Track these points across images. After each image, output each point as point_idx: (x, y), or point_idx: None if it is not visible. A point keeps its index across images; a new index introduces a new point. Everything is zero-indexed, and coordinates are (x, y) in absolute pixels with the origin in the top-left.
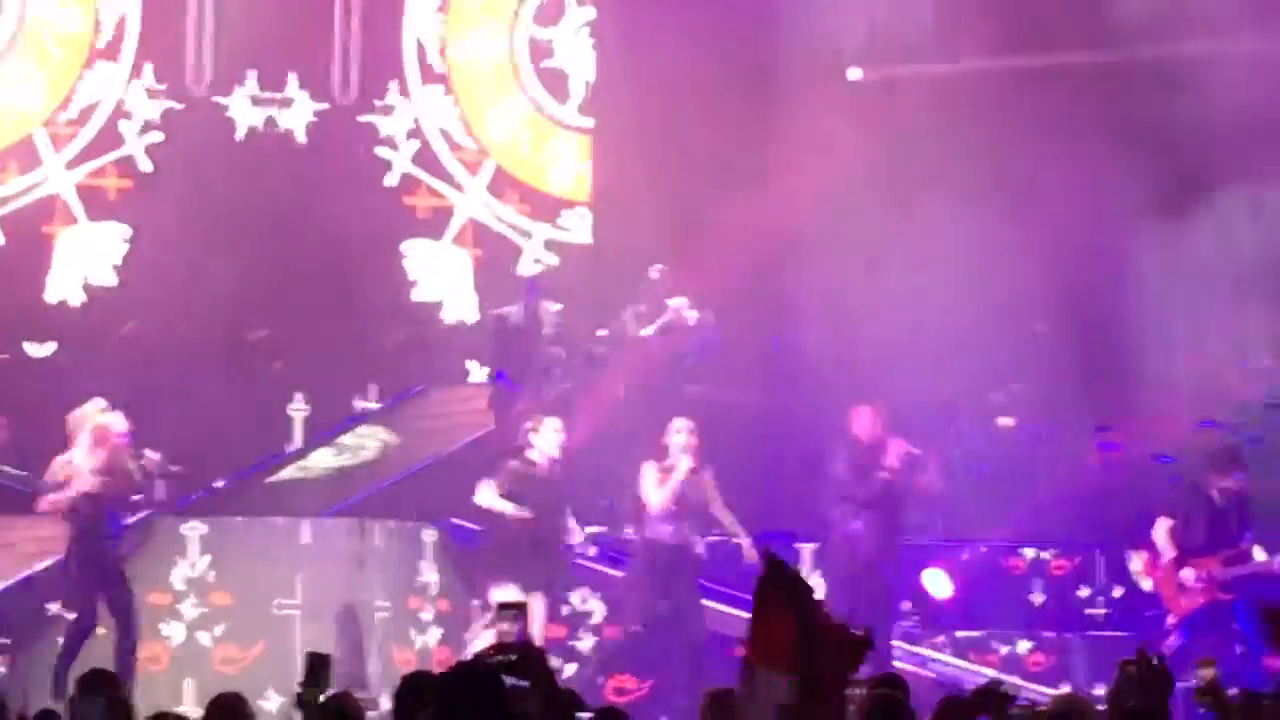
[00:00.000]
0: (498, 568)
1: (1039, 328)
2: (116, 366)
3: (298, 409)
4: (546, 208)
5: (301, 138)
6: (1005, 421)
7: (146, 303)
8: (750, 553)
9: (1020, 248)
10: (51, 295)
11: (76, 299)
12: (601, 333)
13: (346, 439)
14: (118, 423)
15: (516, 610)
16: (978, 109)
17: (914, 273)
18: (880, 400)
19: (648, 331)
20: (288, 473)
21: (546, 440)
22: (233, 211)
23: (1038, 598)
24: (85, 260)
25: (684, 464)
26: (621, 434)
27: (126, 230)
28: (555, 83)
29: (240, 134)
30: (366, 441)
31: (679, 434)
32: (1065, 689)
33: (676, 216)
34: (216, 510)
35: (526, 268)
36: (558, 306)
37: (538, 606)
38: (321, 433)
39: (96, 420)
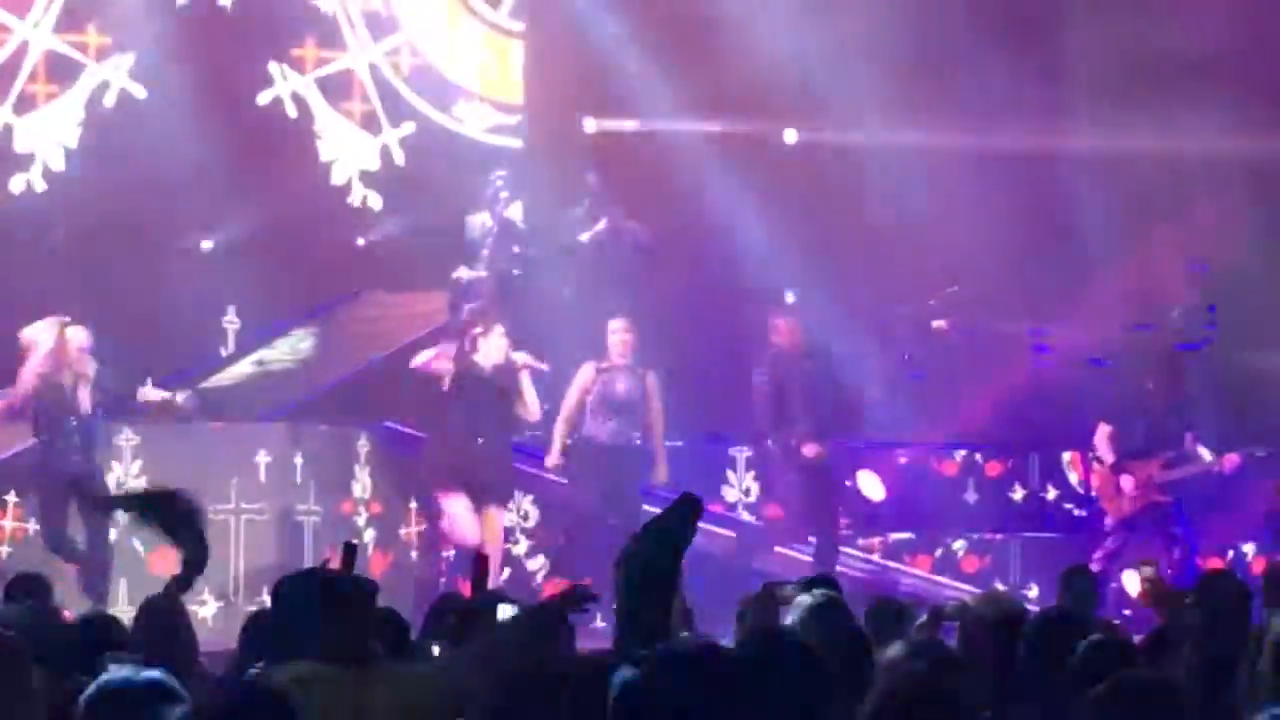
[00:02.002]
0: (446, 477)
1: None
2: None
3: (230, 321)
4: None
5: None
6: (939, 324)
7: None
8: (662, 475)
9: (959, 149)
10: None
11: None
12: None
13: (279, 343)
14: (79, 337)
15: None
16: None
17: (854, 172)
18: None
19: (584, 238)
20: (220, 378)
21: (494, 345)
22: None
23: (971, 499)
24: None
25: (585, 370)
26: (566, 339)
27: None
28: None
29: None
30: (299, 345)
31: (614, 334)
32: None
33: (608, 119)
34: (149, 417)
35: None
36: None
37: (495, 519)
38: (254, 335)
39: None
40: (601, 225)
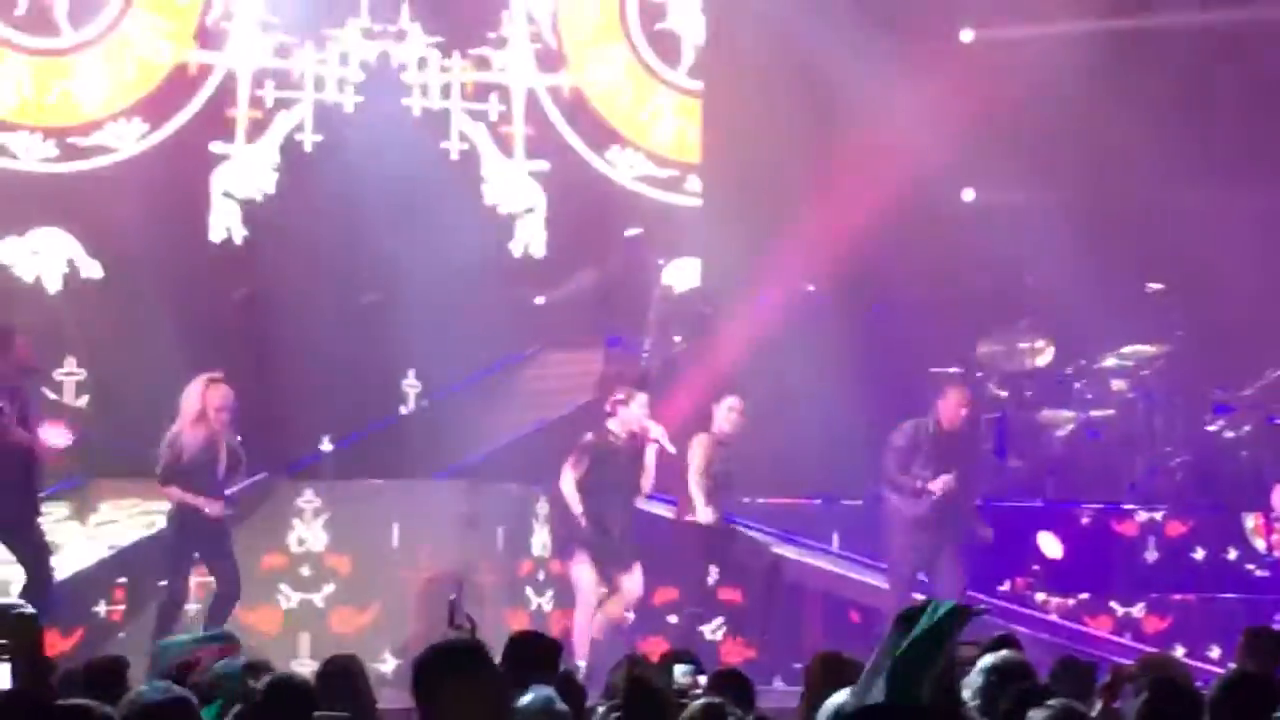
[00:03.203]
0: (585, 544)
1: (1153, 287)
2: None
3: (410, 385)
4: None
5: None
6: (1119, 384)
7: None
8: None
9: (1134, 209)
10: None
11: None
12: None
13: (458, 401)
14: (221, 395)
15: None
16: (1086, 68)
17: (1023, 235)
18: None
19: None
20: (399, 436)
21: (632, 415)
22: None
23: (1151, 559)
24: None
25: (703, 442)
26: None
27: (275, 158)
28: (666, 45)
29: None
30: (479, 403)
31: (732, 411)
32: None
33: (784, 184)
34: (329, 474)
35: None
36: (662, 262)
37: (631, 584)
38: (433, 395)
39: (204, 393)
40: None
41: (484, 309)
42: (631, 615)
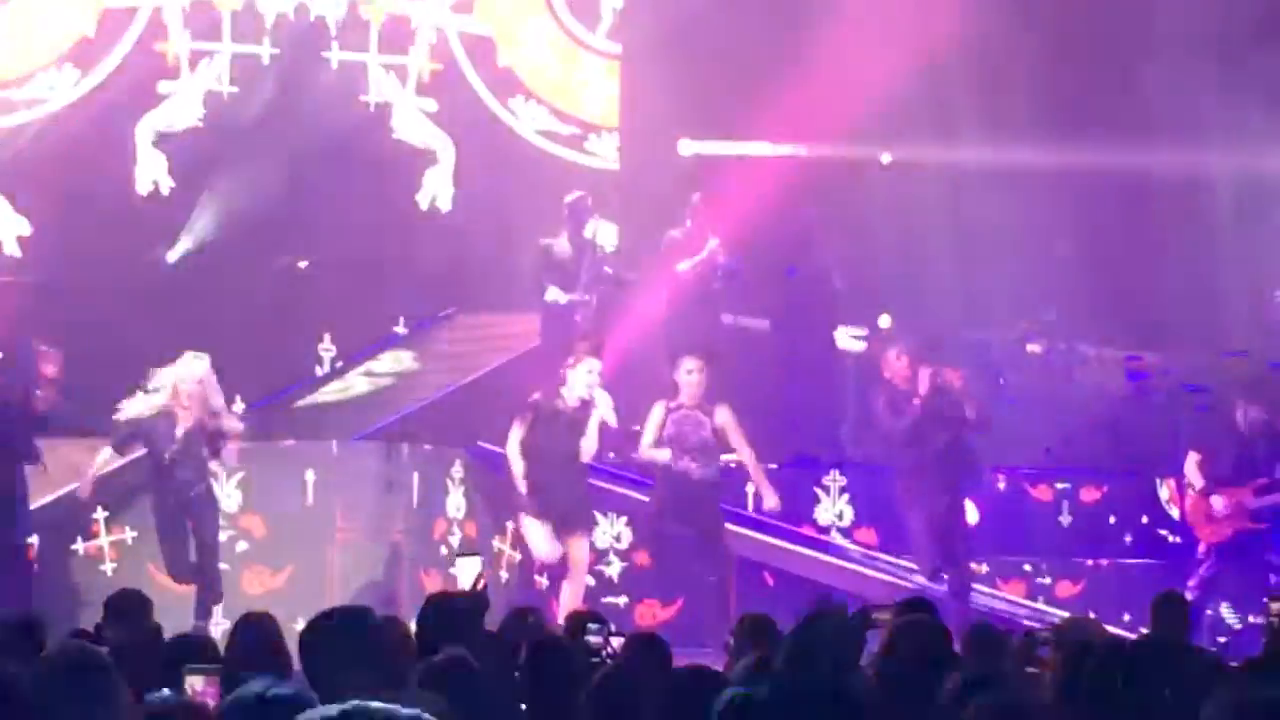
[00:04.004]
0: (525, 501)
1: (1062, 250)
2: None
3: (326, 349)
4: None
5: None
6: (1034, 348)
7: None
8: (772, 501)
9: (1049, 171)
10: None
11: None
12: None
13: (374, 363)
14: (200, 368)
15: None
16: (1013, 29)
17: (948, 193)
18: (906, 338)
19: (684, 267)
20: (315, 398)
21: (579, 380)
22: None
23: (1065, 525)
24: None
25: (657, 411)
26: (648, 366)
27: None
28: (584, 8)
29: (270, 22)
30: (394, 366)
31: (688, 374)
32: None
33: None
34: (246, 435)
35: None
36: (609, 226)
37: (579, 551)
38: (350, 357)
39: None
40: (709, 249)
41: (400, 269)
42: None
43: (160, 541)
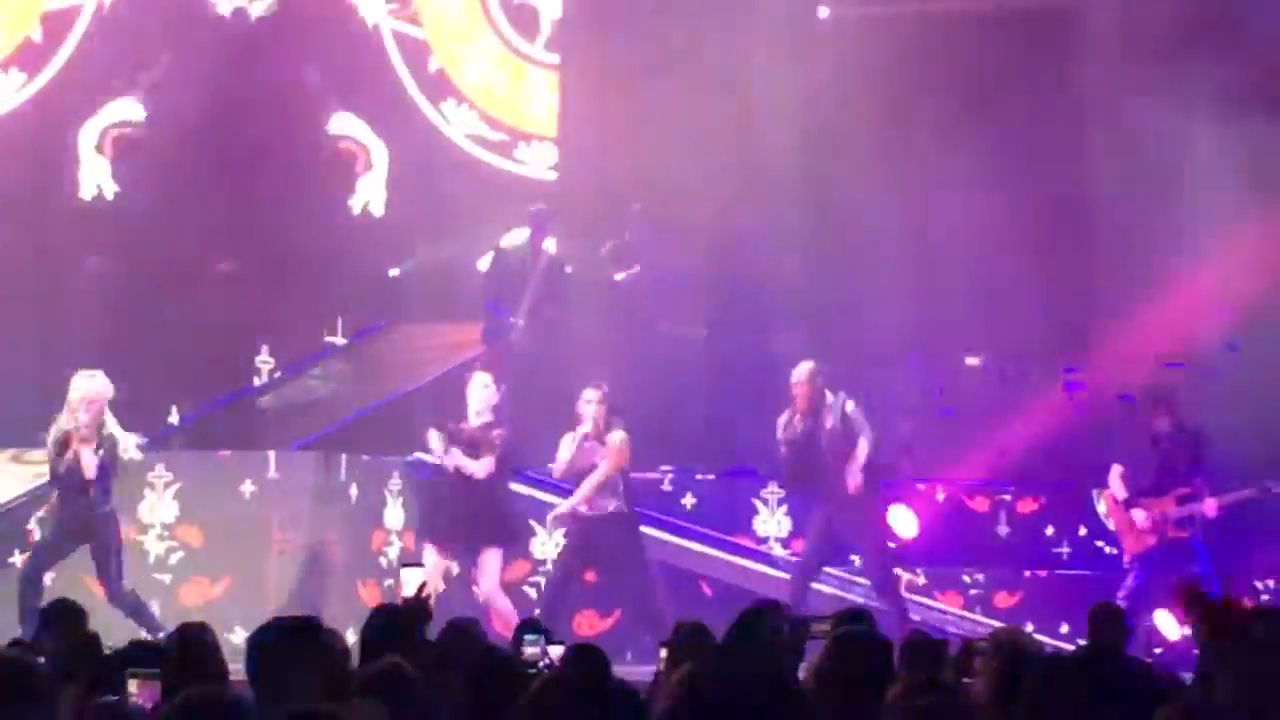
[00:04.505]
0: (435, 523)
1: (1000, 263)
2: (86, 289)
3: (264, 361)
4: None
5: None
6: (972, 360)
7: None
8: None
9: (985, 185)
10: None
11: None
12: (568, 269)
13: (312, 373)
14: (100, 386)
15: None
16: (946, 47)
17: (880, 209)
18: (825, 352)
19: (620, 277)
20: (253, 407)
21: (474, 396)
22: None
23: (1003, 536)
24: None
25: (582, 429)
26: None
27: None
28: (523, 19)
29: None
30: (332, 376)
31: (588, 404)
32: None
33: (643, 153)
34: (182, 444)
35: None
36: (551, 241)
37: (490, 562)
38: (287, 367)
39: (84, 388)
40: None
41: (335, 279)
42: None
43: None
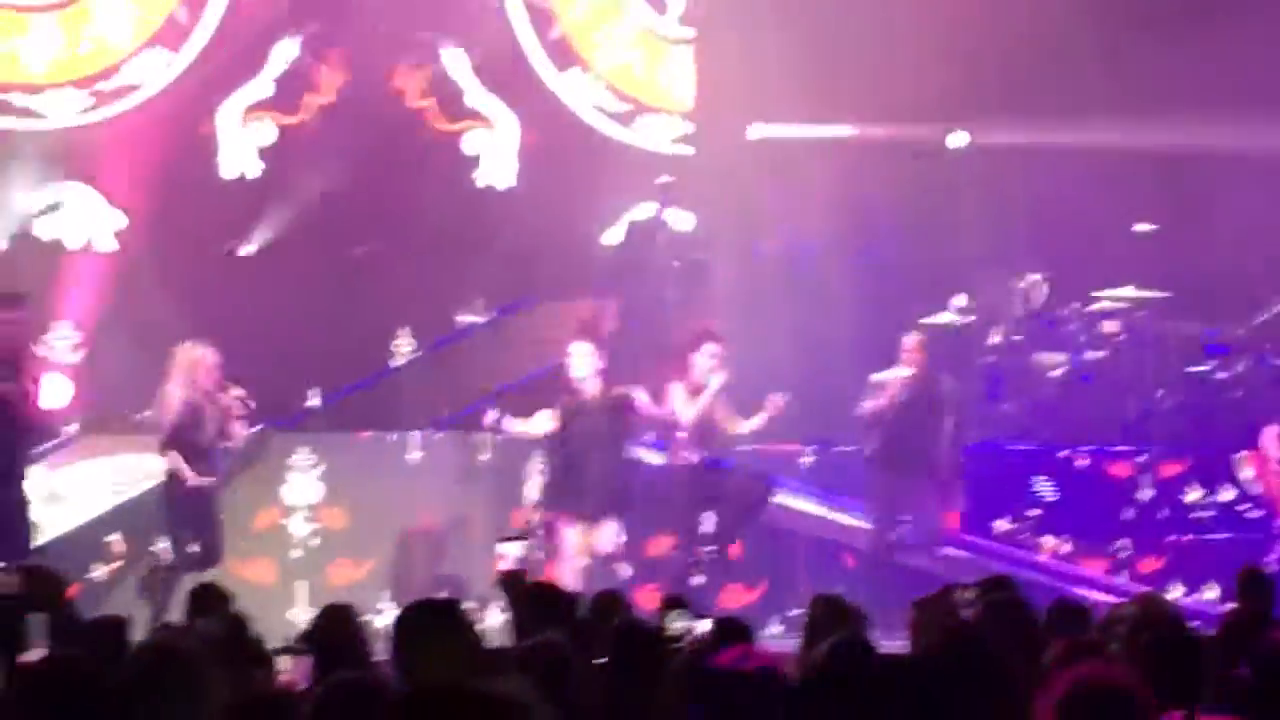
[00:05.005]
0: (558, 495)
1: (1142, 228)
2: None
3: (403, 344)
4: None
5: None
6: (1111, 326)
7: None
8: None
9: (1128, 148)
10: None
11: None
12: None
13: (452, 352)
14: (209, 357)
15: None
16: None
17: (1013, 178)
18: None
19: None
20: (393, 388)
21: (577, 367)
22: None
23: (1146, 500)
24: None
25: (714, 382)
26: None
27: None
28: None
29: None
30: (473, 354)
31: (713, 357)
32: (1171, 592)
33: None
34: (323, 426)
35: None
36: (685, 217)
37: (606, 533)
38: (427, 347)
39: (190, 355)
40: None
41: (473, 258)
42: (628, 569)
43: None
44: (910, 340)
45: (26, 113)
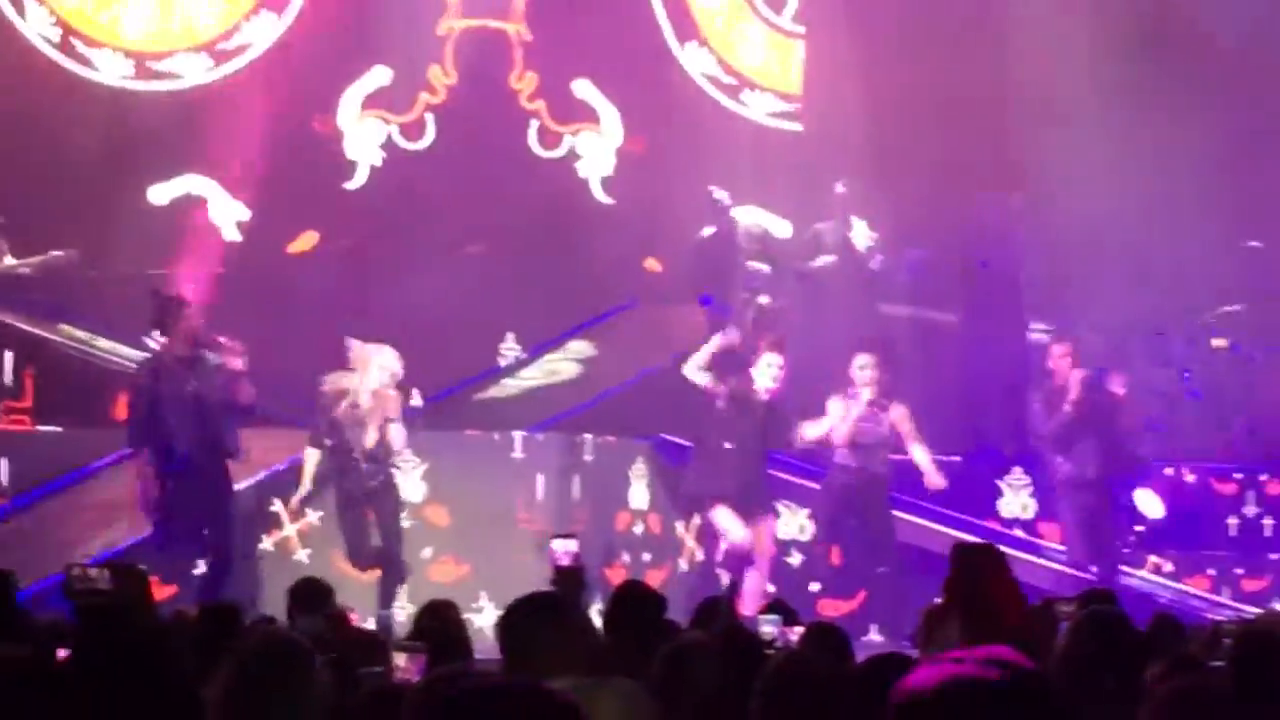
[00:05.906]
0: (709, 490)
1: (1253, 245)
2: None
3: (509, 348)
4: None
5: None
6: (1219, 343)
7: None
8: (937, 482)
9: (1236, 166)
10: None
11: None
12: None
13: (556, 354)
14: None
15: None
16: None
17: (1127, 192)
18: (1080, 333)
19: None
20: (497, 389)
21: (761, 375)
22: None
23: (1251, 517)
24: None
25: (864, 396)
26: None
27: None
28: None
29: None
30: (576, 357)
31: (862, 369)
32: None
33: (885, 126)
34: (425, 426)
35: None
36: (757, 223)
37: (765, 529)
38: (533, 348)
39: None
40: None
41: (578, 261)
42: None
43: (343, 531)
44: (1059, 348)
45: (169, 75)
